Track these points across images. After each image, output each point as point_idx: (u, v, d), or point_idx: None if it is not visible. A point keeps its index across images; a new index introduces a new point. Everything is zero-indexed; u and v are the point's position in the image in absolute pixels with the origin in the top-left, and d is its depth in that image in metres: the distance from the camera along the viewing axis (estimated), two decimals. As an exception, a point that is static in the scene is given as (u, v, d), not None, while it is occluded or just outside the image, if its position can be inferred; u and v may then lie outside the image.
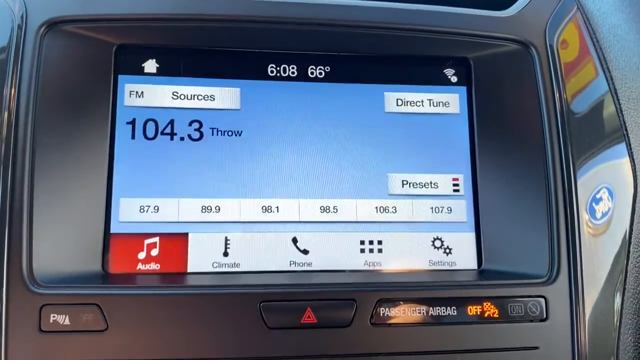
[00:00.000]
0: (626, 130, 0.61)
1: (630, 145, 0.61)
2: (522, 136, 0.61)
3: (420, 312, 0.52)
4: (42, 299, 0.49)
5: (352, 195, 0.59)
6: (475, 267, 0.59)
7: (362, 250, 0.58)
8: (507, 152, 0.61)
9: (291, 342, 0.50)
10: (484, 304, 0.53)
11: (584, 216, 0.57)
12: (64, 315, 0.49)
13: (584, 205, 0.58)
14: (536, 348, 0.53)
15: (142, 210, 0.56)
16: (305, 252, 0.58)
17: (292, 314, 0.51)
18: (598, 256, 0.56)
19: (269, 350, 0.50)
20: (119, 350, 0.48)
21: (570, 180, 0.57)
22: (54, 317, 0.48)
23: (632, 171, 0.59)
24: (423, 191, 0.60)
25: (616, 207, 0.59)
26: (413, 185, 0.60)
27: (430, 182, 0.61)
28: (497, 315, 0.53)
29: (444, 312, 0.52)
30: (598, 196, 0.59)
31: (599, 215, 0.58)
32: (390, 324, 0.52)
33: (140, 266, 0.55)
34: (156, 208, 0.56)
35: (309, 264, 0.57)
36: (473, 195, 0.61)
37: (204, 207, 0.57)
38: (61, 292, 0.49)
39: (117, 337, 0.49)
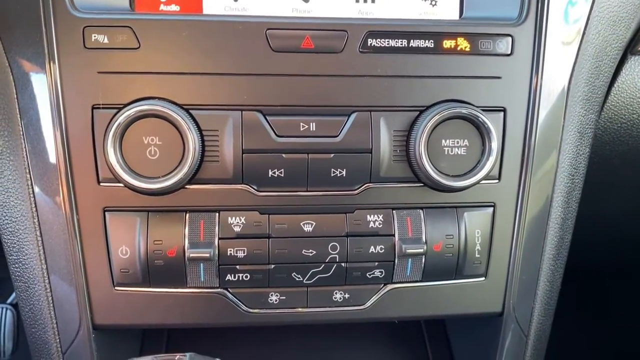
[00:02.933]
0: None
1: None
2: None
3: (402, 43, 0.61)
4: (84, 21, 0.58)
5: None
6: (457, 18, 0.66)
7: (357, 0, 0.66)
8: None
9: (292, 63, 0.60)
10: (458, 39, 0.61)
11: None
12: (103, 35, 0.58)
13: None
14: (499, 78, 0.63)
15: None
16: (305, 0, 0.65)
17: (293, 40, 0.60)
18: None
19: (273, 68, 0.60)
20: (151, 65, 0.59)
21: None
22: (95, 36, 0.58)
23: None
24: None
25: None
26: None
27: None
28: (469, 50, 0.62)
29: (422, 44, 0.61)
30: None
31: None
32: (376, 52, 0.61)
33: (162, 7, 0.64)
34: None
35: (309, 12, 0.65)
36: (462, -49, 0.66)
37: None
38: (99, 17, 0.59)
39: (148, 54, 0.59)
